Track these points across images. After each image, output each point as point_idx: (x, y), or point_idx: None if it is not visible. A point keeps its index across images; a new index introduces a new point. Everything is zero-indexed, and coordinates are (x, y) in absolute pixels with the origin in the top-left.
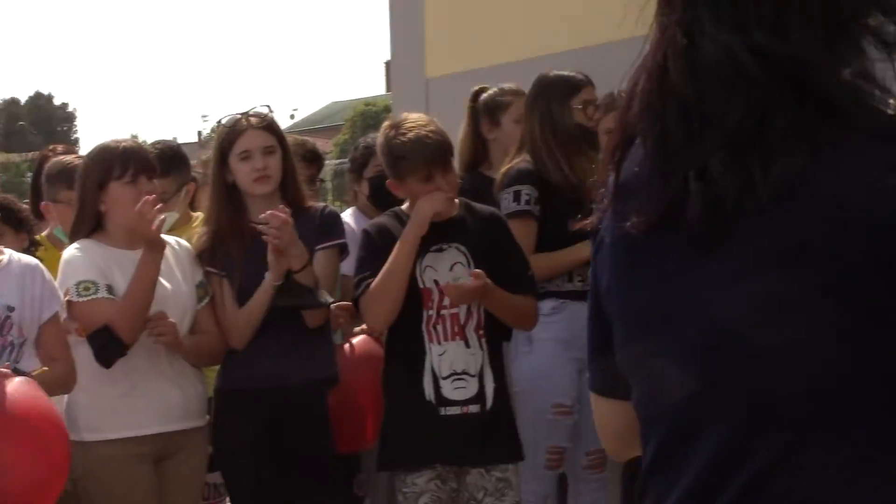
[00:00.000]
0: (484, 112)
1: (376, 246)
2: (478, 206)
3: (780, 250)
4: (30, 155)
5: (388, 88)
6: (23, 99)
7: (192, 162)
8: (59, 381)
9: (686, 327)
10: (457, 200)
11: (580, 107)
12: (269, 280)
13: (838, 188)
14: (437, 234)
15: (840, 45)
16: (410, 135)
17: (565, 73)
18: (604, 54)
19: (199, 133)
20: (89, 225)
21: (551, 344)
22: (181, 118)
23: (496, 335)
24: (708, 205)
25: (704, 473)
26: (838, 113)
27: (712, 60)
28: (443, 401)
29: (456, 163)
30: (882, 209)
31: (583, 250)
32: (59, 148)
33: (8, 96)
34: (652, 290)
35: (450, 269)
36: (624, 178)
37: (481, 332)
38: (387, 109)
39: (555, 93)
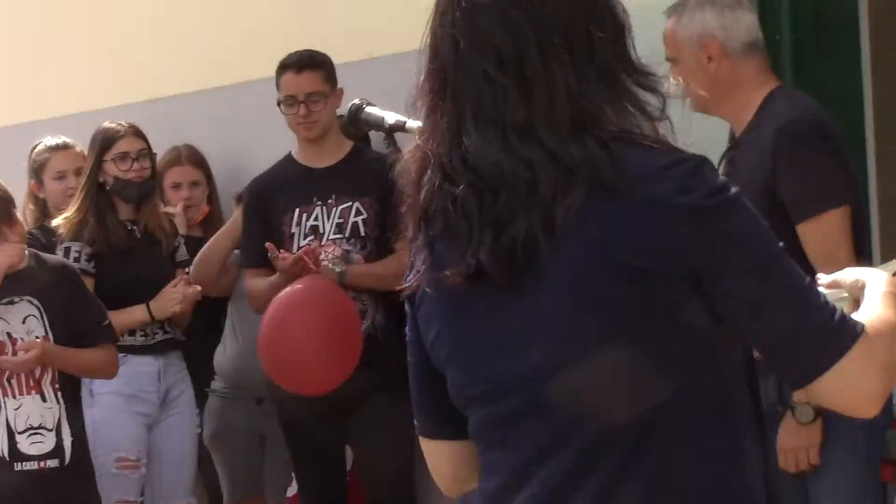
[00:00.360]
0: (31, 171)
1: None
2: (47, 256)
3: (569, 292)
4: None
5: None
6: None
7: None
8: None
9: (508, 363)
10: (26, 251)
11: (112, 159)
12: None
13: (599, 230)
14: (8, 287)
15: (586, 135)
16: None
17: (109, 124)
18: (168, 106)
19: None
20: None
21: (112, 397)
22: None
23: (71, 388)
24: (500, 259)
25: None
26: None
27: (483, 160)
28: (18, 455)
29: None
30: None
31: (136, 313)
32: None
33: None
34: (477, 334)
35: (22, 322)
36: (435, 247)
37: (57, 385)
38: None
39: (94, 145)
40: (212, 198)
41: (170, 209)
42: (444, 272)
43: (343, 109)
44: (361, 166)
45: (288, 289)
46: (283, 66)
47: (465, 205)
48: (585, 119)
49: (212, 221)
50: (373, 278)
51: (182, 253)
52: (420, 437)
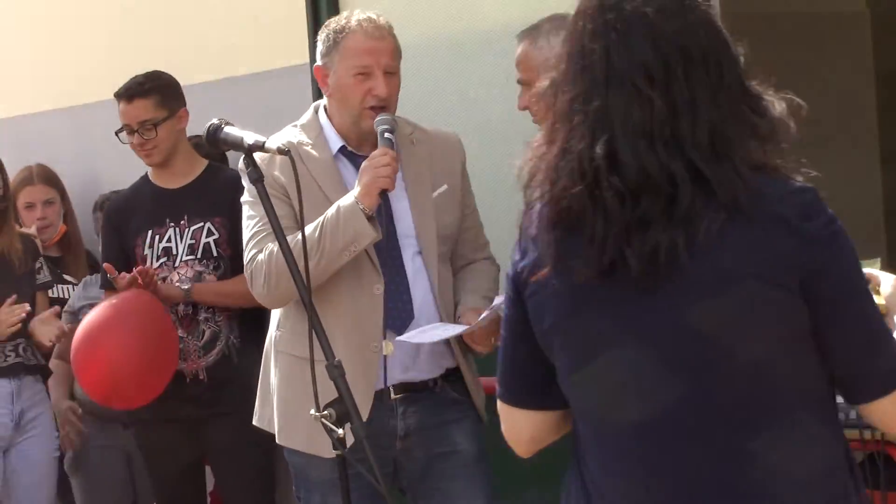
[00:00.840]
0: None
1: None
2: None
3: (713, 294)
4: None
5: None
6: None
7: None
8: None
9: (647, 347)
10: None
11: None
12: None
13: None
14: None
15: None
16: None
17: None
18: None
19: None
20: None
21: None
22: None
23: None
24: (643, 259)
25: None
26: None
27: (629, 165)
28: None
29: None
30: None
31: None
32: None
33: None
34: (598, 324)
35: None
36: (563, 245)
37: None
38: None
39: None
40: (68, 217)
41: (28, 230)
42: (574, 266)
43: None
44: (214, 186)
45: (98, 306)
46: (117, 96)
47: (606, 205)
48: (720, 141)
49: (68, 241)
50: (219, 295)
51: (44, 275)
52: (504, 405)
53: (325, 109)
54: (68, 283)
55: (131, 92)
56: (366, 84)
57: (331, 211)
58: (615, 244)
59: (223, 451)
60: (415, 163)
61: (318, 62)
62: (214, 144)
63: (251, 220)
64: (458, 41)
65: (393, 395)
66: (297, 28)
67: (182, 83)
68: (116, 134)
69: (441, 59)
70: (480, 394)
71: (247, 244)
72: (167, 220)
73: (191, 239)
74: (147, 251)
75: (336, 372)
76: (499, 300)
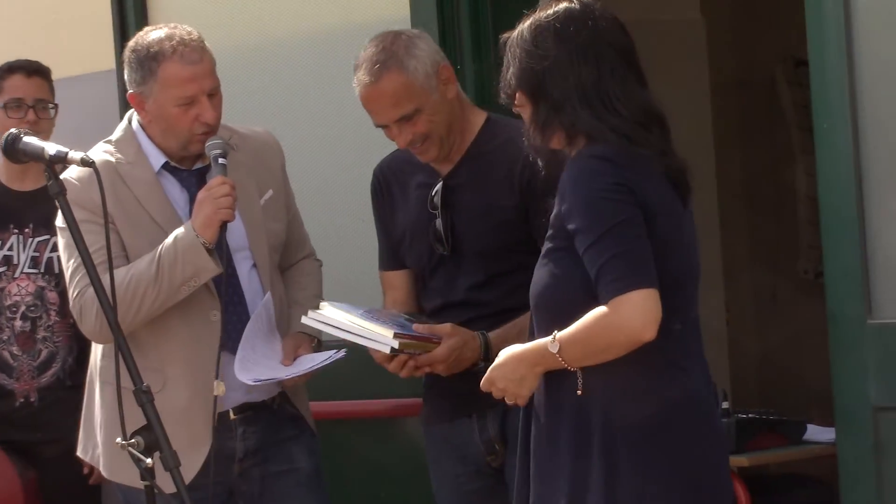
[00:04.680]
0: None
1: None
2: None
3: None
4: None
5: None
6: None
7: None
8: None
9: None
10: None
11: None
12: None
13: None
14: None
15: None
16: None
17: None
18: None
19: None
20: None
21: None
22: None
23: None
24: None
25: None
26: None
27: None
28: None
29: None
30: None
31: None
32: None
33: None
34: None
35: None
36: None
37: None
38: None
39: None
40: None
41: None
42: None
43: None
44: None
45: None
46: (11, 68)
47: None
48: None
49: None
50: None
51: None
52: (641, 289)
53: (141, 123)
54: None
55: (33, 66)
56: (191, 112)
57: (167, 243)
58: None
59: (53, 481)
60: (237, 170)
61: (132, 89)
62: (13, 155)
63: (75, 250)
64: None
65: (232, 416)
66: (102, 33)
67: None
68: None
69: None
70: (308, 408)
71: (72, 276)
72: (10, 226)
73: (34, 251)
74: None
75: (144, 398)
76: (326, 355)
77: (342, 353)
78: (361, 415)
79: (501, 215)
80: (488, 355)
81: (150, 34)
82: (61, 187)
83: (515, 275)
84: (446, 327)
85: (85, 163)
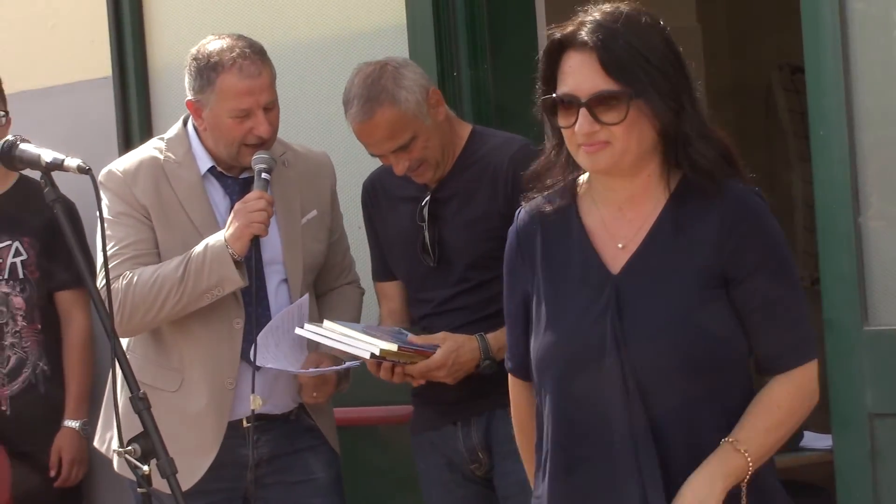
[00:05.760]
0: None
1: None
2: None
3: None
4: None
5: None
6: None
7: None
8: None
9: None
10: None
11: None
12: None
13: None
14: None
15: None
16: None
17: None
18: None
19: None
20: None
21: None
22: None
23: None
24: None
25: None
26: None
27: None
28: None
29: None
30: None
31: None
32: None
33: None
34: None
35: None
36: None
37: None
38: None
39: None
40: None
41: None
42: None
43: None
44: (24, 202)
45: None
46: None
47: None
48: None
49: None
50: None
51: None
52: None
53: (195, 126)
54: None
55: None
56: (245, 124)
57: (198, 249)
58: None
59: (26, 494)
60: (285, 186)
61: (191, 96)
62: (9, 163)
63: (108, 241)
64: None
65: (245, 424)
66: (100, 40)
67: None
68: None
69: None
70: (333, 426)
71: (100, 267)
72: None
73: None
74: None
75: (141, 405)
76: (346, 364)
77: (357, 362)
78: (359, 422)
79: (487, 224)
80: (489, 355)
81: (212, 43)
82: (57, 195)
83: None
84: (439, 336)
85: (82, 170)
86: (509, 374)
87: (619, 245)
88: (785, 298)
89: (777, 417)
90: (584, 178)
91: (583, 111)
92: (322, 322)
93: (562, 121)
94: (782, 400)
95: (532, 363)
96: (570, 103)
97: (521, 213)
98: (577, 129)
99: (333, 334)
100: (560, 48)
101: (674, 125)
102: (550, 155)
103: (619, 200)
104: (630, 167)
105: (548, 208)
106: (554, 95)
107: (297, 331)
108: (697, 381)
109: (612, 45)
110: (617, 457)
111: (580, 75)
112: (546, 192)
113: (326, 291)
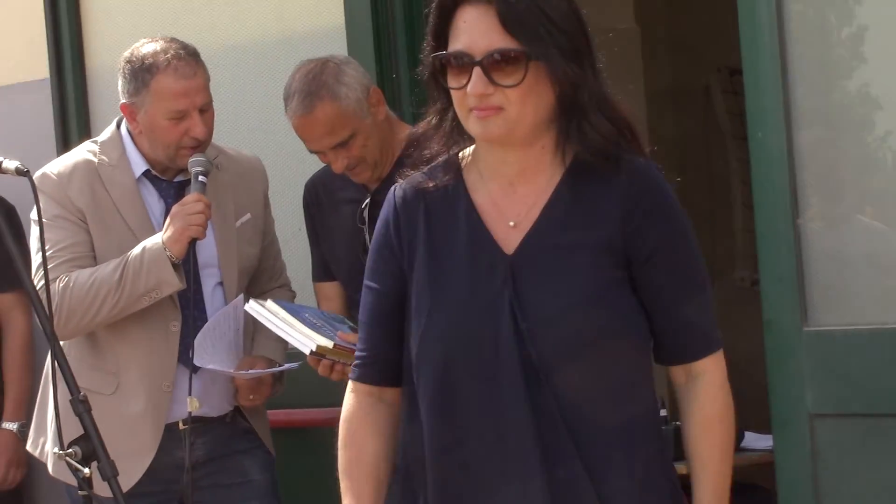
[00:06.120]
0: None
1: None
2: None
3: None
4: None
5: None
6: None
7: None
8: None
9: None
10: None
11: None
12: None
13: None
14: None
15: None
16: None
17: None
18: None
19: None
20: None
21: None
22: None
23: None
24: None
25: None
26: None
27: None
28: None
29: None
30: None
31: None
32: None
33: None
34: None
35: None
36: None
37: None
38: None
39: None
40: None
41: None
42: None
43: None
44: None
45: None
46: None
47: None
48: None
49: None
50: None
51: None
52: None
53: (129, 129)
54: None
55: None
56: (181, 125)
57: (135, 251)
58: None
59: None
60: (218, 189)
61: (125, 99)
62: None
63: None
64: None
65: (181, 426)
66: (36, 41)
67: None
68: None
69: None
70: (268, 429)
71: (37, 270)
72: None
73: None
74: None
75: (81, 407)
76: (282, 367)
77: (295, 364)
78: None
79: None
80: None
81: (146, 46)
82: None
83: None
84: None
85: (20, 172)
86: (351, 384)
87: (511, 223)
88: (689, 279)
89: (722, 439)
90: (468, 151)
91: (476, 70)
92: (265, 302)
93: (452, 81)
94: (714, 419)
95: (410, 355)
96: (463, 62)
97: (398, 189)
98: (470, 89)
99: (276, 318)
100: (455, 1)
101: (572, 93)
102: (432, 121)
103: (509, 174)
104: (524, 137)
105: (430, 185)
106: (445, 53)
107: (245, 306)
108: (602, 363)
109: (512, 0)
110: (513, 453)
111: (476, 31)
112: (425, 168)
113: (259, 295)
